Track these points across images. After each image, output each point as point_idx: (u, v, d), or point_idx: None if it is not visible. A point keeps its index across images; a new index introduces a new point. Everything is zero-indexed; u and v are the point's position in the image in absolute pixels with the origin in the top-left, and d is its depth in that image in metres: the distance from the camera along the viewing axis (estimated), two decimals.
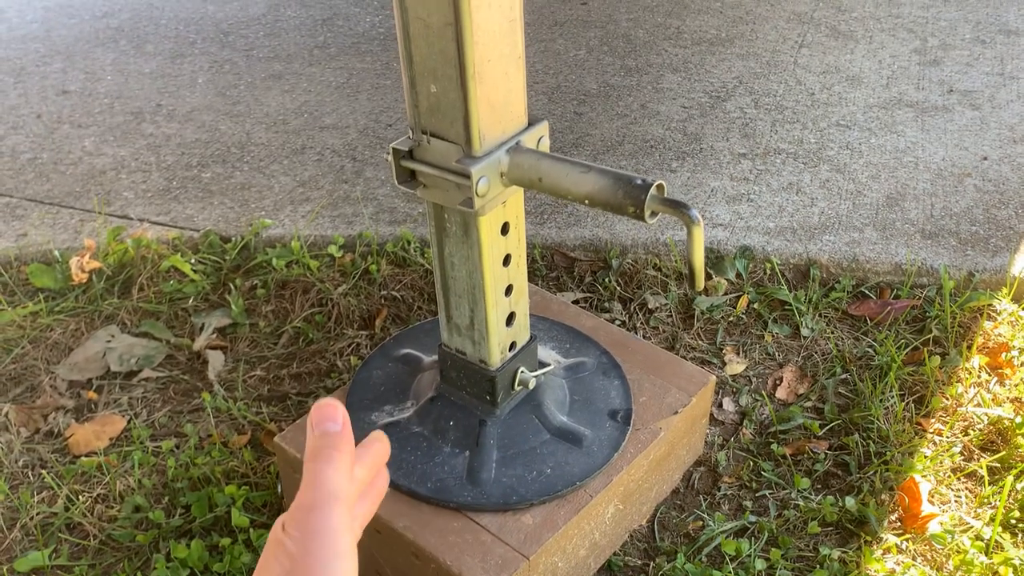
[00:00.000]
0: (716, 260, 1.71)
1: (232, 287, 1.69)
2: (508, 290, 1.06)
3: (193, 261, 1.75)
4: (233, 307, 1.64)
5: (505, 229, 1.01)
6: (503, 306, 1.06)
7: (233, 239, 1.81)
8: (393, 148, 0.95)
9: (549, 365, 1.19)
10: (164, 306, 1.67)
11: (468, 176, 0.90)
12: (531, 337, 1.14)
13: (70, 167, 2.15)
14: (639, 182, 0.85)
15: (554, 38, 2.72)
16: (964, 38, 2.56)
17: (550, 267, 1.76)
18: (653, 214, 0.86)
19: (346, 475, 0.50)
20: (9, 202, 2.01)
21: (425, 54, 0.87)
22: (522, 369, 1.12)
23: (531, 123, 0.97)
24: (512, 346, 1.11)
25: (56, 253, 1.78)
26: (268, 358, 1.57)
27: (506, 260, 1.04)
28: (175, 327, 1.64)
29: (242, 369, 1.55)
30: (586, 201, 0.89)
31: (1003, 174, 1.91)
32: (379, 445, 0.59)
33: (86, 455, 1.39)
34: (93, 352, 1.58)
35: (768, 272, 1.69)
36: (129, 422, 1.45)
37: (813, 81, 2.37)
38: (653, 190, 0.85)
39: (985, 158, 1.97)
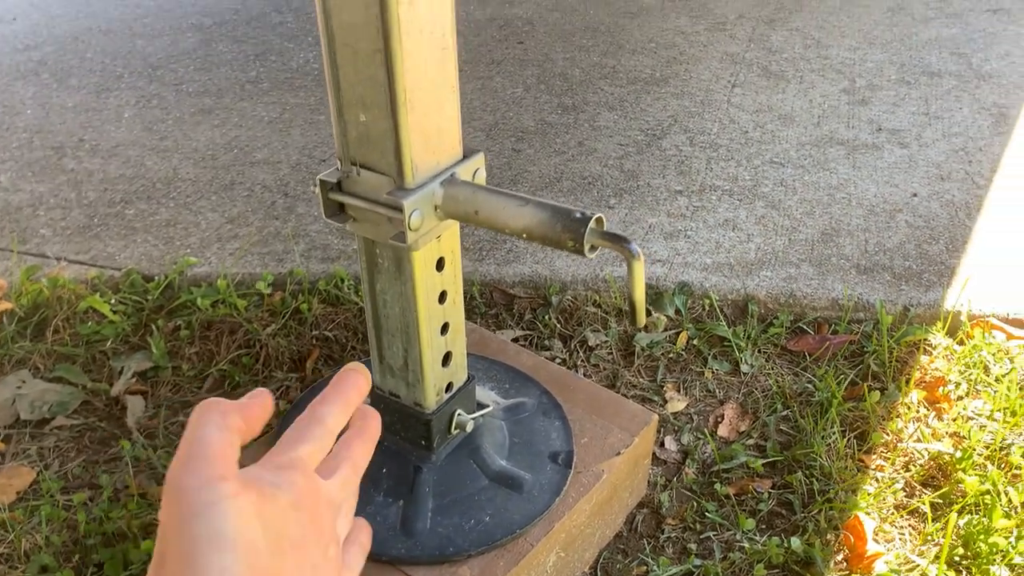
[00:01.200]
0: (655, 296, 1.69)
1: (154, 328, 1.61)
2: (444, 328, 1.02)
3: (113, 301, 1.67)
4: (155, 349, 1.55)
5: (440, 265, 0.97)
6: (438, 345, 1.01)
7: (156, 278, 1.73)
8: (320, 180, 0.91)
9: (488, 406, 1.14)
10: (81, 349, 1.58)
11: (400, 209, 0.86)
12: (469, 377, 1.09)
13: None
14: (578, 215, 0.82)
15: (492, 76, 2.71)
16: (890, 79, 2.63)
17: (489, 304, 1.72)
18: (592, 248, 0.83)
19: (218, 427, 0.43)
20: None
21: (353, 81, 0.84)
22: (459, 411, 1.07)
23: (467, 155, 0.94)
24: (449, 387, 1.06)
25: None
26: (192, 403, 1.49)
27: (442, 297, 1.00)
28: (92, 371, 1.55)
29: (163, 415, 1.47)
30: (524, 235, 0.85)
31: (932, 210, 1.95)
32: (355, 377, 0.51)
33: None
34: (1, 399, 1.48)
35: (707, 308, 1.68)
36: (39, 474, 1.35)
37: (746, 120, 2.40)
38: (592, 223, 0.82)
39: (915, 195, 2.01)
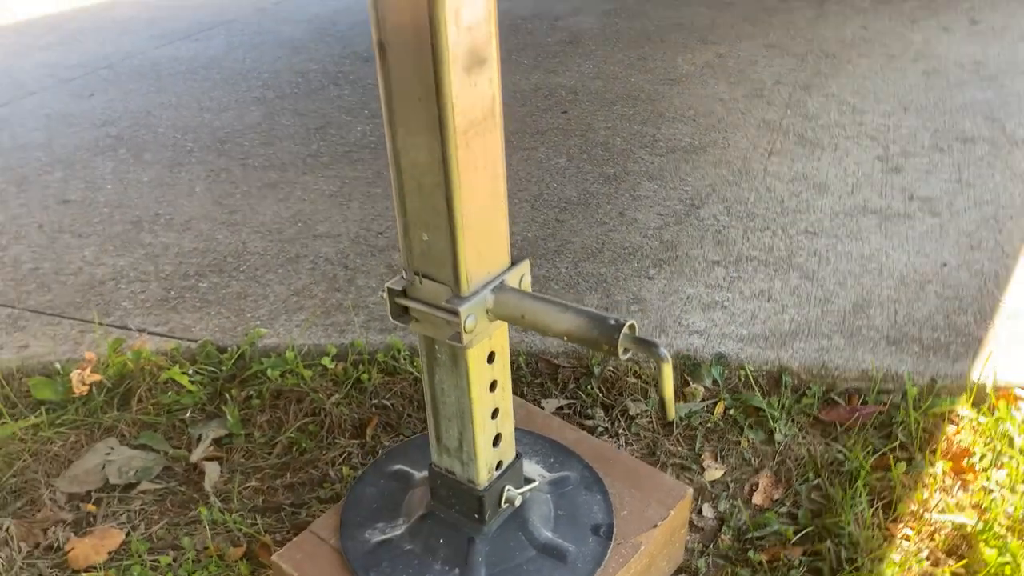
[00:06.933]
0: (693, 367, 1.79)
1: (228, 397, 1.75)
2: (494, 413, 1.14)
3: (190, 372, 1.82)
4: (229, 417, 1.70)
5: (491, 358, 1.09)
6: (490, 429, 1.13)
7: (229, 349, 1.88)
8: (388, 288, 1.04)
9: (534, 481, 1.25)
10: (162, 417, 1.73)
11: (457, 314, 0.98)
12: (516, 455, 1.20)
13: (70, 277, 2.23)
14: (612, 322, 0.94)
15: (536, 147, 2.86)
16: (923, 145, 2.71)
17: (535, 373, 1.84)
18: (625, 351, 0.95)
19: None
20: (11, 313, 2.08)
21: (418, 208, 0.97)
22: (508, 487, 1.18)
23: (514, 263, 1.06)
24: (499, 465, 1.17)
25: (57, 365, 1.84)
26: (263, 468, 1.63)
27: (492, 386, 1.12)
28: (172, 438, 1.70)
29: (237, 480, 1.60)
30: (564, 337, 0.97)
31: (962, 280, 2.02)
32: None
33: (85, 570, 1.42)
34: (92, 464, 1.63)
35: (743, 378, 1.77)
36: (127, 535, 1.49)
37: (782, 189, 2.50)
38: (625, 329, 0.93)
39: (945, 264, 2.09)
